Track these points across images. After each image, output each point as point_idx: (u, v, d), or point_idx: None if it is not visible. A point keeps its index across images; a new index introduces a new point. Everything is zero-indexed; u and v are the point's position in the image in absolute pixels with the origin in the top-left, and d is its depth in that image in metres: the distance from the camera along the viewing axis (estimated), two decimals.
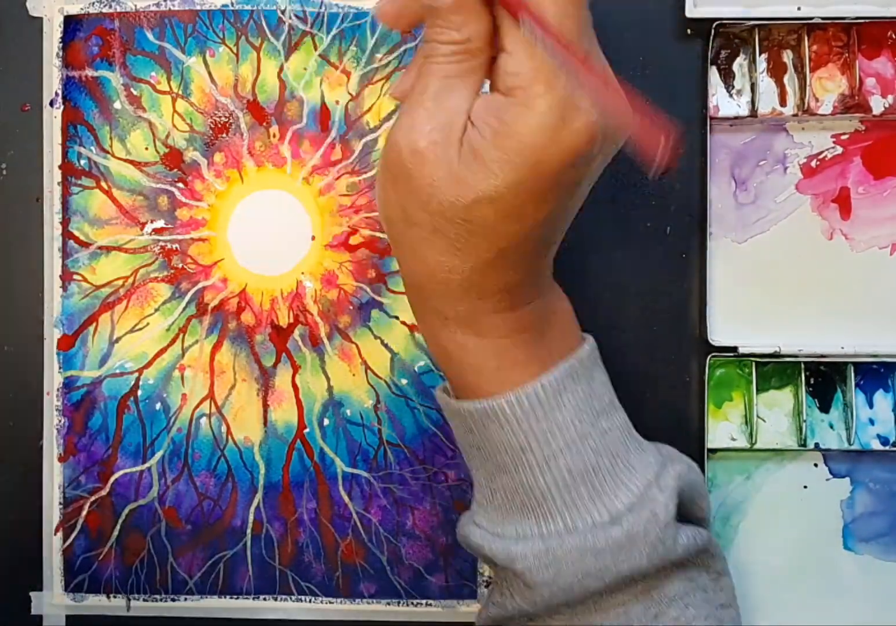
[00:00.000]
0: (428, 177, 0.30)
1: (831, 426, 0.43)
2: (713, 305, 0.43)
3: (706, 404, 0.43)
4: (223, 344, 0.44)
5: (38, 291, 0.44)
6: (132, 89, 0.44)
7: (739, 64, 0.43)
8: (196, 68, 0.44)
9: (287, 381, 0.44)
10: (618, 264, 0.43)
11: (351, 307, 0.44)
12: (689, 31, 0.43)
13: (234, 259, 0.44)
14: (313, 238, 0.44)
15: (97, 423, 0.44)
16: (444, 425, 0.43)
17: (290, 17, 0.44)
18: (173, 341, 0.44)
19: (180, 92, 0.44)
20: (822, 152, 0.43)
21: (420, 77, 0.30)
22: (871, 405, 0.43)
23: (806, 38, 0.42)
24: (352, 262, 0.44)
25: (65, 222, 0.44)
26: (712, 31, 0.42)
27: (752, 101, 0.43)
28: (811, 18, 0.42)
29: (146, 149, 0.44)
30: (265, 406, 0.44)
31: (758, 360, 0.43)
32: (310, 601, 0.44)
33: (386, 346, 0.44)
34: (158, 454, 0.44)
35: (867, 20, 0.42)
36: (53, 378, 0.44)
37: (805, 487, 0.43)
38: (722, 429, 0.43)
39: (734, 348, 0.42)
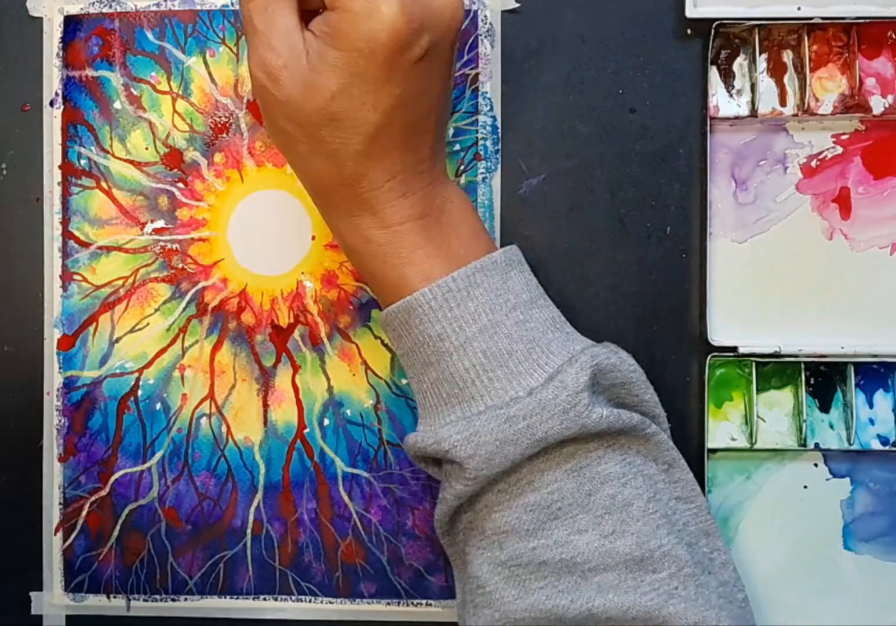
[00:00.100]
0: (289, 94, 0.35)
1: (831, 426, 0.43)
2: (713, 306, 0.43)
3: (706, 403, 0.43)
4: (223, 344, 0.44)
5: (38, 291, 0.44)
6: (132, 89, 0.44)
7: (739, 64, 0.43)
8: (196, 68, 0.44)
9: (287, 381, 0.44)
10: (618, 264, 0.43)
11: (351, 307, 0.44)
12: (689, 31, 0.43)
13: (234, 259, 0.44)
14: (313, 238, 0.44)
15: (97, 423, 0.44)
16: None
17: None
18: (173, 341, 0.44)
19: (180, 92, 0.44)
20: (822, 152, 0.43)
21: (249, 17, 0.35)
22: (871, 405, 0.43)
23: (806, 38, 0.42)
24: None
25: (65, 222, 0.44)
26: (712, 31, 0.42)
27: (752, 101, 0.43)
28: (811, 18, 0.42)
29: (146, 149, 0.44)
30: (265, 406, 0.44)
31: (758, 360, 0.43)
32: (310, 601, 0.44)
33: (386, 346, 0.44)
34: (158, 454, 0.44)
35: (867, 20, 0.42)
36: (53, 378, 0.44)
37: (805, 487, 0.43)
38: (722, 429, 0.43)
39: (734, 348, 0.42)
